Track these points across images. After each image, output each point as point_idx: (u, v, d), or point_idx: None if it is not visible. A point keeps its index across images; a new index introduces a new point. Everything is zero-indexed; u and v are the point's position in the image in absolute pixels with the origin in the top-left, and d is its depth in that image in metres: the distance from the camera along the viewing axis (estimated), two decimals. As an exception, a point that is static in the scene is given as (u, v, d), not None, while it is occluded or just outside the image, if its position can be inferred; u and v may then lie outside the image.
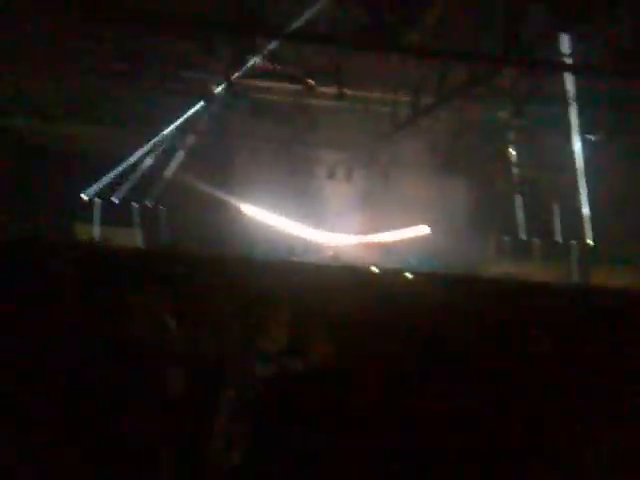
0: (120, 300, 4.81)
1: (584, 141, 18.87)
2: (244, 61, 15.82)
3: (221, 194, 21.73)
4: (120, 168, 21.36)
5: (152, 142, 21.20)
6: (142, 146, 21.26)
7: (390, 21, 13.16)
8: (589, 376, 4.05)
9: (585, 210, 20.28)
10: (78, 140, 20.59)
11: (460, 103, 17.20)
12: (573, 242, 22.31)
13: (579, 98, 17.28)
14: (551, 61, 13.83)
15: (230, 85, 17.21)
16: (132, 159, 21.38)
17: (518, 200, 22.68)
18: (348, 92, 16.95)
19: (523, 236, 23.08)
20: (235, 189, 22.12)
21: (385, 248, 22.46)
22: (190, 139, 22.17)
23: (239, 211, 22.40)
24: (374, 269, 14.41)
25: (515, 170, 21.91)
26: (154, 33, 15.56)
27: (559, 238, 22.89)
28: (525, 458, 3.30)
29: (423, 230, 22.65)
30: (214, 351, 4.17)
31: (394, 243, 22.54)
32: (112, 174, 21.46)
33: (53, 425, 3.30)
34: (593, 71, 14.54)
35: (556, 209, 22.73)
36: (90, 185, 21.74)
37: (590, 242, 21.87)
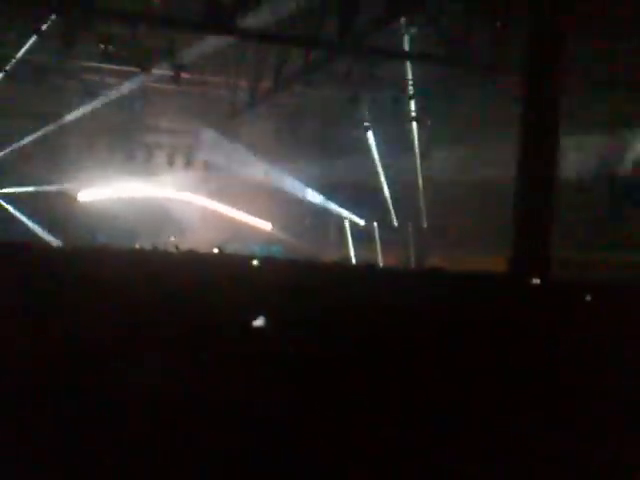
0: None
1: (419, 126, 19.51)
2: (75, 42, 15.15)
3: (56, 181, 20.74)
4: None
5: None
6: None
7: (228, 5, 13.07)
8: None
9: (420, 194, 20.96)
10: None
11: (299, 88, 17.34)
12: (409, 226, 23.02)
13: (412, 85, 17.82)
14: (384, 48, 14.19)
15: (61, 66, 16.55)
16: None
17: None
18: (185, 76, 16.63)
19: (362, 221, 23.54)
20: (71, 176, 21.18)
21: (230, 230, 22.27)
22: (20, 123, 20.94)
23: (75, 199, 21.46)
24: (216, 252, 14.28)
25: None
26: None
27: (395, 222, 23.45)
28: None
29: (266, 225, 22.85)
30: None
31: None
32: None
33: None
34: (424, 58, 15.06)
35: (393, 194, 23.25)
36: None
37: (424, 226, 22.76)
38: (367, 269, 10.00)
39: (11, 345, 3.75)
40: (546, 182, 10.52)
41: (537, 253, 10.26)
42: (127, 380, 3.37)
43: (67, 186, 20.98)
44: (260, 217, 22.65)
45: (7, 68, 16.20)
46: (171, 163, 21.70)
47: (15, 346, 3.75)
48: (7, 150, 20.37)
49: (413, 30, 13.97)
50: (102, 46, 15.31)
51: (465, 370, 3.97)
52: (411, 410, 3.52)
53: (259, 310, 4.41)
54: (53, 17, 14.19)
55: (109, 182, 21.16)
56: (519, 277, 9.29)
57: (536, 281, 8.42)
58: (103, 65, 16.93)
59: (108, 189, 21.41)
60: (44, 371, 3.48)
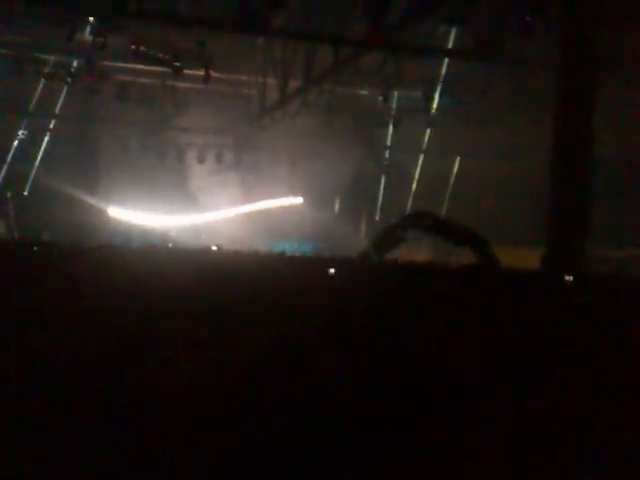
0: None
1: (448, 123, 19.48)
2: (107, 42, 15.29)
3: (86, 187, 20.82)
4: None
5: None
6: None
7: (257, 5, 13.09)
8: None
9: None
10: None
11: (328, 86, 17.32)
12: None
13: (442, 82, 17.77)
14: (415, 45, 14.12)
15: (92, 67, 16.73)
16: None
17: (384, 181, 23.18)
18: (215, 75, 16.71)
19: (385, 217, 23.52)
20: (102, 178, 21.31)
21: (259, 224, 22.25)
22: (55, 124, 21.20)
23: (104, 211, 21.57)
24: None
25: (382, 152, 22.36)
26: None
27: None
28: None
29: (296, 200, 22.74)
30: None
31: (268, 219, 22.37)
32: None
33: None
34: (456, 55, 14.98)
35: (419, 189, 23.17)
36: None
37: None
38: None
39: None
40: (581, 174, 10.41)
41: (571, 249, 10.16)
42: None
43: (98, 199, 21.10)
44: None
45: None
46: (201, 161, 21.77)
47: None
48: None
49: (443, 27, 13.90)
50: (133, 47, 15.49)
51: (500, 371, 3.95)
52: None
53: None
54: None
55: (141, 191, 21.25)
56: (552, 274, 9.22)
57: (569, 278, 8.34)
58: (134, 66, 17.10)
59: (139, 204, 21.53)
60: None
